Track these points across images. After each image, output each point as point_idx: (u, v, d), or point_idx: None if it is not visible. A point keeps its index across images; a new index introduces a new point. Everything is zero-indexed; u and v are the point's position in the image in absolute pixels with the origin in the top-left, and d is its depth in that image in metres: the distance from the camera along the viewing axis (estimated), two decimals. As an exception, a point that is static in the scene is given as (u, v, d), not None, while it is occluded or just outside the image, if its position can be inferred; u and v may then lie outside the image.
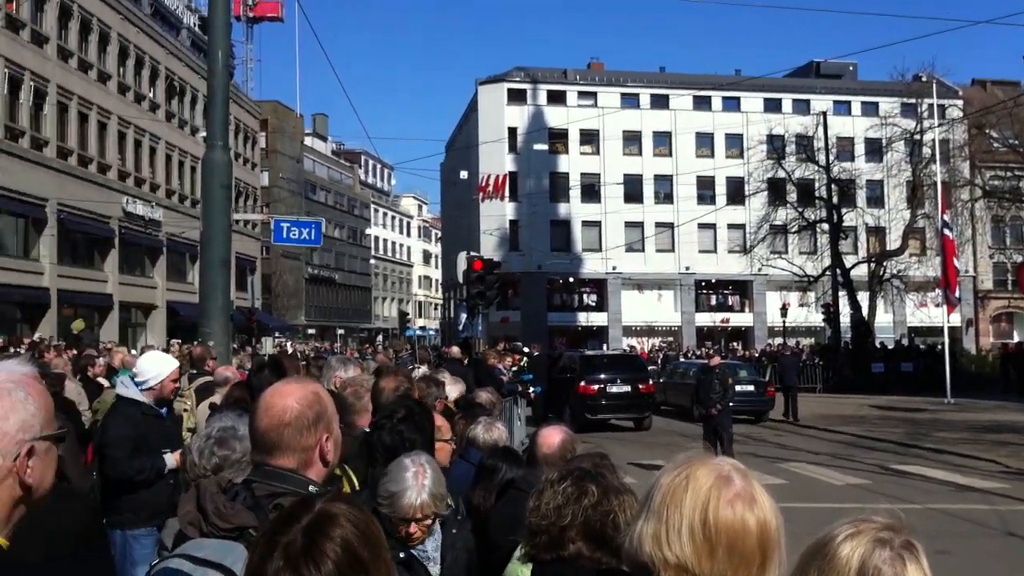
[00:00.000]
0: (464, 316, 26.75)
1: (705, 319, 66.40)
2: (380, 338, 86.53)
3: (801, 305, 52.51)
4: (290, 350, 42.61)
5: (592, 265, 64.17)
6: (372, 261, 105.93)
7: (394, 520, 3.52)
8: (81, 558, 2.95)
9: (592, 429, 23.35)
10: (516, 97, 65.30)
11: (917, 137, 44.59)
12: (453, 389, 7.82)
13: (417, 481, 3.54)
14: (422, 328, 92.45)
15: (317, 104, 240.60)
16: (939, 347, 37.02)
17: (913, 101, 46.05)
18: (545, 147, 64.03)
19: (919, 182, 45.31)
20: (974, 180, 46.31)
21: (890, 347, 44.63)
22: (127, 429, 6.35)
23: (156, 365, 6.88)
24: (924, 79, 43.18)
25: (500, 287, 23.66)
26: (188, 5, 58.44)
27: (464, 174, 65.84)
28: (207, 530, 2.47)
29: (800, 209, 46.98)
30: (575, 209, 64.76)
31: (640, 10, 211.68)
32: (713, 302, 68.11)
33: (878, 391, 36.32)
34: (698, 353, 48.93)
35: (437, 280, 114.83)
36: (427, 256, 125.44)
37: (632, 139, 65.90)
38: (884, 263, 46.12)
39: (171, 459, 6.42)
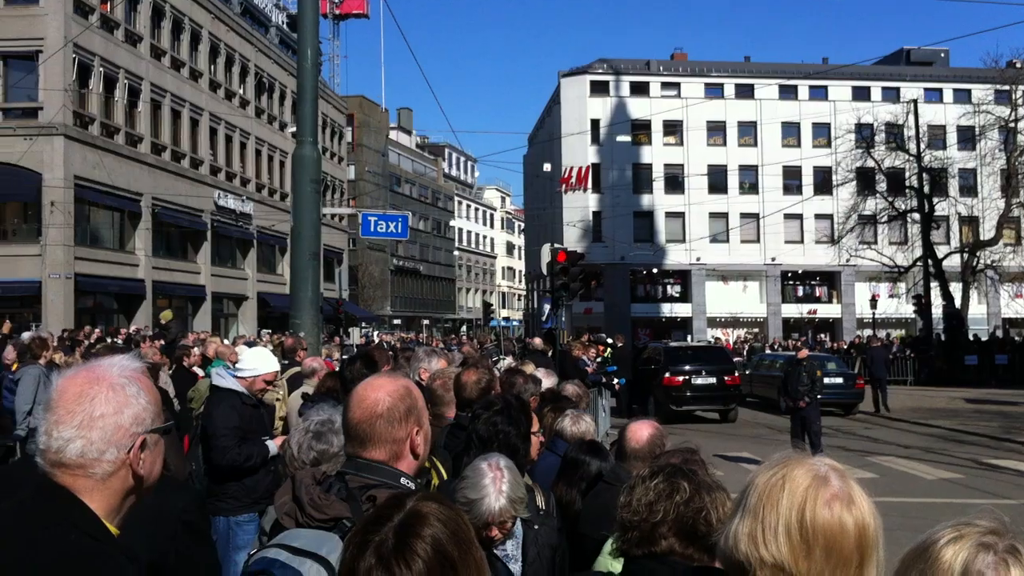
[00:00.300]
0: (548, 307, 26.76)
1: (791, 310, 65.50)
2: (464, 329, 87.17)
3: (891, 296, 51.46)
4: (376, 340, 43.20)
5: (676, 256, 63.68)
6: (456, 252, 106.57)
7: (473, 525, 3.52)
8: (187, 545, 3.06)
9: (677, 421, 23.21)
10: (599, 89, 65.03)
11: (1011, 124, 43.31)
12: (546, 381, 7.84)
13: (495, 487, 3.49)
14: (505, 319, 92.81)
15: (402, 98, 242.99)
16: (1035, 339, 35.96)
17: (1007, 88, 44.73)
18: (628, 139, 63.67)
19: (1014, 170, 44.06)
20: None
21: (984, 339, 43.44)
22: (234, 418, 6.52)
23: (258, 361, 7.06)
24: (1018, 65, 41.88)
25: (584, 279, 23.53)
26: (276, 3, 59.43)
27: (547, 166, 65.88)
28: (303, 520, 2.55)
29: (890, 199, 46.01)
30: (658, 200, 64.30)
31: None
32: (800, 293, 67.12)
33: (971, 384, 35.38)
34: (784, 345, 48.30)
35: (520, 271, 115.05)
36: (510, 247, 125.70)
37: (716, 129, 65.17)
38: (977, 253, 44.89)
39: (273, 446, 6.61)
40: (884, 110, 52.97)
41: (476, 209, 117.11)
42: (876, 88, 64.82)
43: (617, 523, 2.82)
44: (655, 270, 65.11)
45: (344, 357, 16.47)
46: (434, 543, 1.74)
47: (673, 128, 64.66)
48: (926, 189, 43.54)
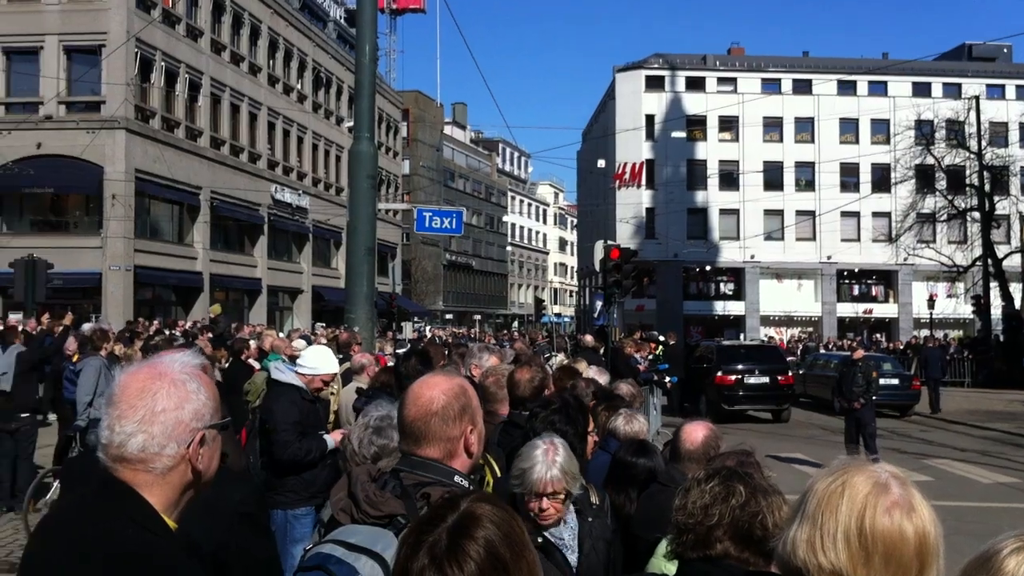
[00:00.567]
0: (600, 304, 26.71)
1: (847, 309, 64.70)
2: (516, 324, 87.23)
3: (949, 296, 50.61)
4: (428, 335, 43.42)
5: (729, 254, 63.17)
6: (508, 248, 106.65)
7: (526, 498, 3.54)
8: (244, 537, 3.12)
9: (729, 420, 23.05)
10: (654, 84, 64.67)
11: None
12: (598, 378, 7.84)
13: (547, 457, 3.56)
14: (557, 315, 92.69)
15: (457, 93, 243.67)
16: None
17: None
18: (683, 134, 63.24)
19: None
20: None
21: (1043, 341, 42.48)
22: (294, 413, 6.61)
23: (320, 361, 7.17)
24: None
25: (636, 276, 23.46)
26: (334, -2, 59.94)
27: (601, 162, 65.66)
28: (358, 517, 2.59)
29: (950, 197, 45.19)
30: (713, 197, 63.80)
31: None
32: (856, 292, 66.28)
33: (1031, 387, 34.63)
34: (839, 344, 47.70)
35: (572, 267, 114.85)
36: (563, 243, 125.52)
37: (773, 125, 64.52)
38: (1039, 253, 43.88)
39: (331, 440, 6.70)
40: (945, 106, 51.89)
41: (529, 204, 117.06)
42: (937, 84, 63.71)
43: (672, 525, 2.83)
44: (708, 267, 64.64)
45: (397, 352, 16.61)
46: (487, 545, 1.75)
47: (729, 124, 64.12)
48: (987, 187, 42.71)
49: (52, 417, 15.78)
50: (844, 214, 61.22)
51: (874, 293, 66.50)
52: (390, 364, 10.85)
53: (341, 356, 11.60)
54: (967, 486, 15.08)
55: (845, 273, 64.95)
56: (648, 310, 59.68)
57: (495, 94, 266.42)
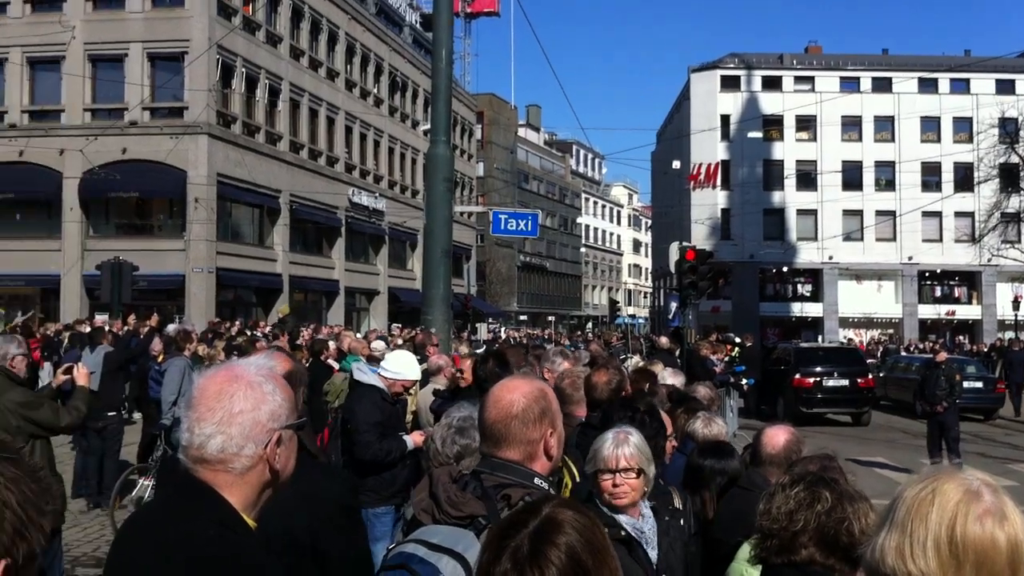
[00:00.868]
0: (675, 305, 26.51)
1: (928, 311, 63.32)
2: (590, 326, 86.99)
3: (1034, 298, 49.16)
4: (503, 336, 43.53)
5: (807, 255, 62.30)
6: (582, 249, 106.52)
7: (599, 477, 3.53)
8: (343, 527, 3.20)
9: (807, 423, 22.74)
10: (729, 84, 64.07)
11: None
12: (674, 381, 7.81)
13: (618, 436, 3.57)
14: (631, 316, 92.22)
15: (530, 95, 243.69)
16: None
17: None
18: (759, 134, 62.53)
19: None
20: None
21: None
22: (376, 414, 6.72)
23: (404, 367, 7.26)
24: None
25: (712, 277, 23.26)
26: (410, 3, 60.37)
27: (676, 163, 65.24)
28: (439, 517, 2.62)
29: (1035, 196, 43.97)
30: (790, 197, 62.98)
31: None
32: (937, 293, 64.83)
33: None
34: (920, 347, 46.71)
35: (647, 268, 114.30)
36: (637, 244, 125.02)
37: (852, 124, 63.46)
38: None
39: (410, 441, 6.80)
40: (1029, 104, 50.55)
41: (603, 206, 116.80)
42: (1021, 81, 62.07)
43: (756, 530, 2.82)
44: (785, 269, 63.79)
45: (472, 352, 16.72)
46: (568, 551, 1.76)
47: (806, 123, 63.24)
48: (1074, 187, 41.49)
49: (137, 416, 16.16)
50: (926, 214, 59.94)
51: (956, 295, 65.00)
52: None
53: (418, 357, 11.72)
54: (1055, 493, 14.65)
55: (927, 274, 63.58)
56: (724, 312, 59.13)
57: (569, 96, 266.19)
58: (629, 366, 10.41)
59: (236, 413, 2.11)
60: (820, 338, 55.69)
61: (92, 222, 35.66)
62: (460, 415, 3.55)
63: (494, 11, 76.36)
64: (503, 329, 53.94)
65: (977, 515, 1.77)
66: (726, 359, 22.16)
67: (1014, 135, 46.44)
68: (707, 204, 62.24)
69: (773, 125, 62.95)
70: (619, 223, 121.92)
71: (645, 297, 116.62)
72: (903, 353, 40.29)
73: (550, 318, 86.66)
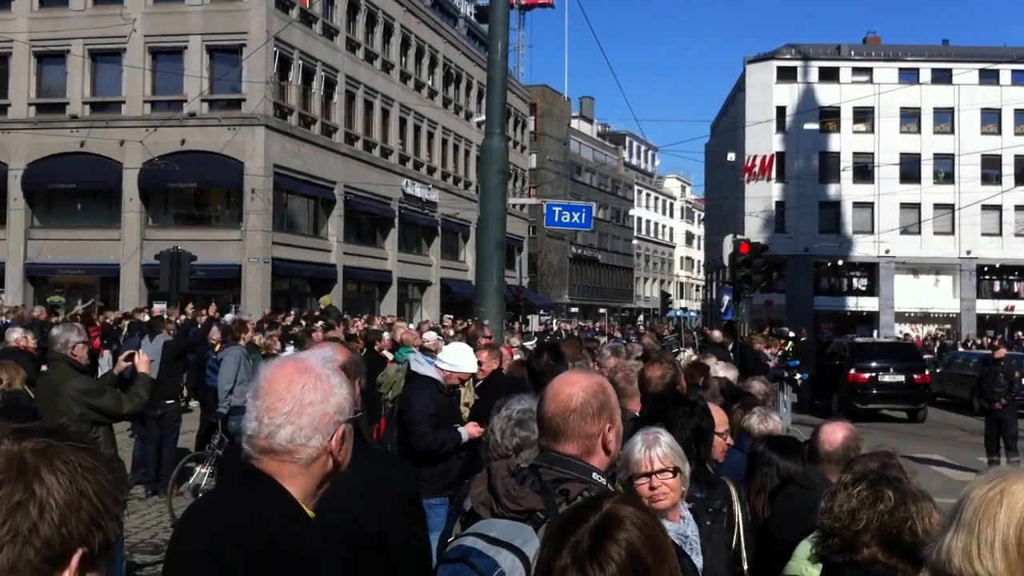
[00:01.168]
0: (727, 298, 26.35)
1: (987, 306, 62.22)
2: (641, 318, 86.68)
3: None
4: (555, 328, 43.52)
5: (863, 248, 61.48)
6: (634, 242, 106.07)
7: (635, 482, 3.49)
8: (406, 515, 3.24)
9: (861, 419, 22.46)
10: (785, 75, 63.40)
11: None
12: (727, 375, 7.77)
13: (648, 438, 3.51)
14: (683, 309, 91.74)
15: (584, 87, 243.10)
16: None
17: None
18: (815, 126, 61.77)
19: None
20: None
21: None
22: (431, 405, 6.78)
23: (461, 359, 7.30)
24: None
25: (766, 270, 23.07)
26: (465, -5, 60.55)
27: (731, 155, 64.70)
28: (498, 511, 2.63)
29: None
30: (846, 190, 62.18)
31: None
32: (997, 288, 63.72)
33: None
34: (978, 342, 45.90)
35: (699, 261, 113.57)
36: (689, 237, 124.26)
37: (910, 116, 62.46)
38: None
39: (465, 432, 6.85)
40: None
41: (656, 198, 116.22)
42: (1085, 72, 60.73)
43: (818, 529, 2.81)
44: (840, 262, 63.01)
45: (524, 344, 16.75)
46: (628, 547, 1.76)
47: (864, 115, 62.35)
48: None
49: (194, 404, 16.40)
50: (985, 207, 58.82)
51: (1016, 290, 63.81)
52: (517, 357, 10.97)
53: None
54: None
55: (985, 268, 62.47)
56: (777, 305, 58.62)
57: (623, 87, 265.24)
58: (682, 360, 10.38)
59: (306, 404, 2.14)
60: (875, 333, 55.00)
61: (151, 212, 36.18)
62: (520, 407, 3.55)
63: (548, 3, 76.30)
64: (555, 321, 53.88)
65: None
66: (779, 353, 21.99)
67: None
68: (761, 196, 61.71)
69: (830, 117, 62.20)
70: (672, 215, 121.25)
71: (697, 290, 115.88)
72: (960, 349, 39.63)
73: (601, 310, 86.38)
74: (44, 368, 8.56)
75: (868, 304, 62.48)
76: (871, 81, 62.06)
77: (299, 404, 2.13)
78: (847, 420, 4.59)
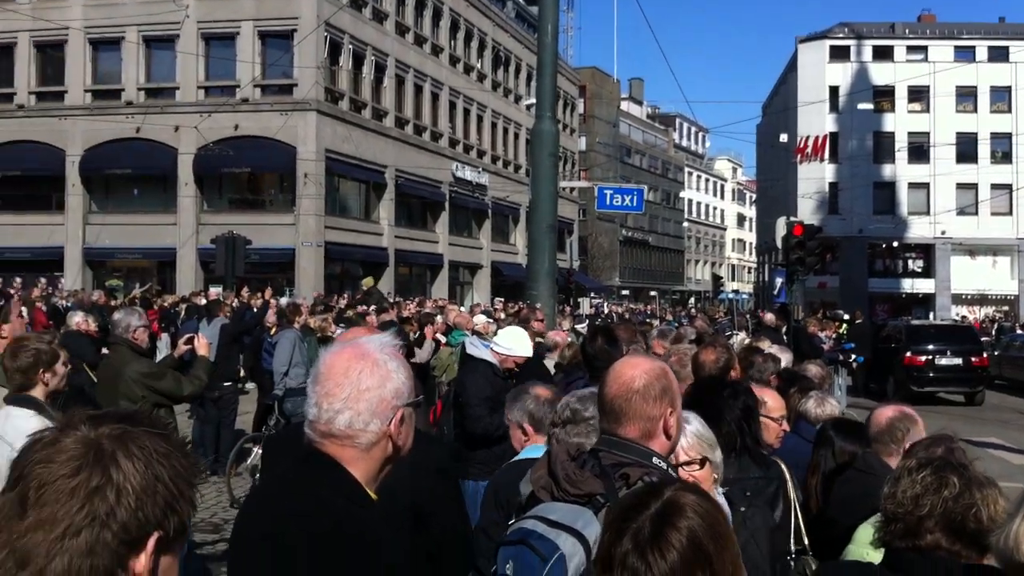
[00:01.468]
0: (780, 281, 26.09)
1: (1047, 288, 60.99)
2: (692, 301, 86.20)
3: None
4: (606, 311, 43.43)
5: (918, 229, 60.52)
6: (685, 224, 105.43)
7: None
8: (444, 490, 3.28)
9: (918, 402, 22.15)
10: (838, 54, 62.49)
11: None
12: (781, 358, 7.70)
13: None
14: (735, 292, 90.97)
15: (633, 68, 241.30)
16: None
17: None
18: (869, 106, 60.80)
19: None
20: None
21: None
22: (487, 388, 6.82)
23: (516, 343, 7.32)
24: None
25: (820, 252, 22.81)
26: (513, -24, 60.34)
27: (784, 136, 63.99)
28: (558, 495, 2.63)
29: None
30: (901, 170, 61.23)
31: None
32: (1056, 269, 62.43)
33: None
34: (1038, 325, 45.00)
35: (751, 243, 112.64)
36: (741, 219, 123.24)
37: (966, 95, 61.25)
38: None
39: None
40: None
41: (707, 180, 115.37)
42: None
43: (881, 513, 2.79)
44: (895, 244, 62.10)
45: (575, 327, 16.76)
46: (690, 535, 1.76)
47: (919, 94, 61.28)
48: None
49: (251, 386, 16.63)
50: (1044, 187, 57.69)
51: (1076, 270, 62.53)
52: (569, 340, 10.98)
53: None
54: None
55: (1045, 249, 61.29)
56: (831, 288, 57.98)
57: (673, 68, 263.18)
58: (735, 343, 10.30)
59: (363, 390, 2.17)
60: (932, 315, 54.19)
61: (206, 197, 36.59)
62: (590, 390, 3.55)
63: (598, -17, 75.65)
64: (605, 304, 53.76)
65: None
66: (833, 336, 21.75)
67: None
68: (814, 178, 60.95)
69: (884, 96, 61.20)
70: (723, 197, 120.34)
71: (749, 272, 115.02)
72: (1019, 331, 38.89)
73: (652, 293, 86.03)
74: (105, 351, 8.73)
75: (924, 286, 61.60)
76: (926, 59, 60.94)
77: (356, 390, 2.17)
78: (904, 404, 4.53)
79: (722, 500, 3.54)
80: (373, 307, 18.66)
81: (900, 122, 61.70)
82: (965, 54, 61.18)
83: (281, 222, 34.76)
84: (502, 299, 33.28)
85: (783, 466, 4.21)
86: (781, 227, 21.16)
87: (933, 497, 2.64)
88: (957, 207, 59.88)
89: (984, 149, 60.80)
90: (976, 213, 60.07)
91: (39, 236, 35.92)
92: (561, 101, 60.18)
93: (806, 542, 4.17)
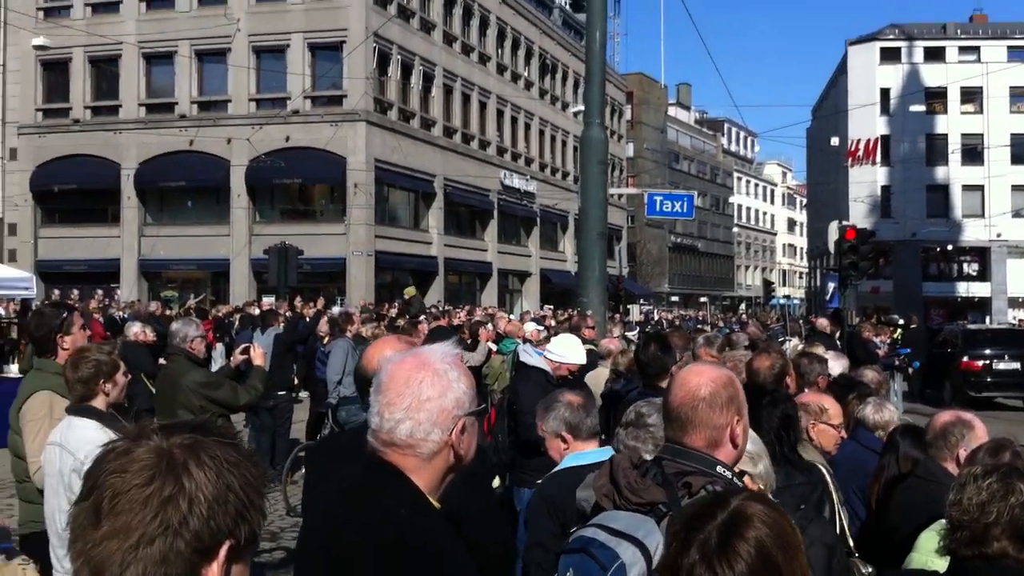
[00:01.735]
0: (832, 286, 25.81)
1: (1106, 291, 59.68)
2: (743, 307, 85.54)
3: None
4: (656, 317, 43.24)
5: (973, 232, 59.58)
6: (735, 229, 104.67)
7: None
8: (472, 491, 3.29)
9: (976, 408, 21.75)
10: (889, 56, 61.76)
11: None
12: (836, 365, 7.62)
13: None
14: (786, 297, 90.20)
15: (679, 73, 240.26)
16: None
17: None
18: (921, 108, 59.95)
19: None
20: None
21: None
22: (540, 396, 6.82)
23: (569, 351, 7.34)
24: None
25: (873, 257, 22.53)
26: (560, -15, 60.39)
27: (835, 140, 63.37)
28: (620, 503, 2.63)
29: None
30: (954, 173, 60.33)
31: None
32: (1116, 271, 61.08)
33: None
34: (1098, 329, 44.01)
35: (802, 248, 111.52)
36: (791, 224, 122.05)
37: (1021, 96, 60.22)
38: None
39: None
40: None
41: (756, 185, 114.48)
42: None
43: (946, 521, 2.77)
44: (950, 247, 61.17)
45: (625, 334, 16.70)
46: (758, 545, 1.74)
47: (972, 95, 60.36)
48: None
49: (304, 395, 16.75)
50: (1101, 189, 56.56)
51: None
52: (622, 347, 10.96)
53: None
54: None
55: (1102, 252, 60.03)
56: (884, 292, 57.23)
57: (721, 73, 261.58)
58: (788, 349, 10.20)
59: (424, 400, 2.18)
60: (988, 319, 53.26)
61: (258, 208, 37.00)
62: (657, 400, 3.55)
63: (644, -11, 75.54)
64: (655, 311, 53.54)
65: None
66: (888, 341, 21.47)
67: None
68: (866, 181, 60.31)
69: (936, 98, 60.32)
70: (772, 202, 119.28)
71: (800, 277, 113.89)
72: (1078, 335, 38.09)
73: (702, 299, 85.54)
74: (162, 361, 8.86)
75: (979, 290, 60.60)
76: (979, 60, 60.03)
77: (417, 400, 2.19)
78: (965, 409, 4.48)
79: None
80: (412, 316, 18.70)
81: (953, 124, 60.83)
82: (1019, 54, 60.19)
83: (332, 232, 35.01)
84: (551, 307, 33.26)
85: (824, 470, 4.17)
86: (833, 231, 20.92)
87: (1000, 504, 2.61)
88: (1013, 209, 58.87)
89: (1040, 150, 59.78)
90: (1033, 215, 59.05)
91: (96, 248, 36.55)
92: (609, 107, 60.04)
93: (851, 544, 4.13)
